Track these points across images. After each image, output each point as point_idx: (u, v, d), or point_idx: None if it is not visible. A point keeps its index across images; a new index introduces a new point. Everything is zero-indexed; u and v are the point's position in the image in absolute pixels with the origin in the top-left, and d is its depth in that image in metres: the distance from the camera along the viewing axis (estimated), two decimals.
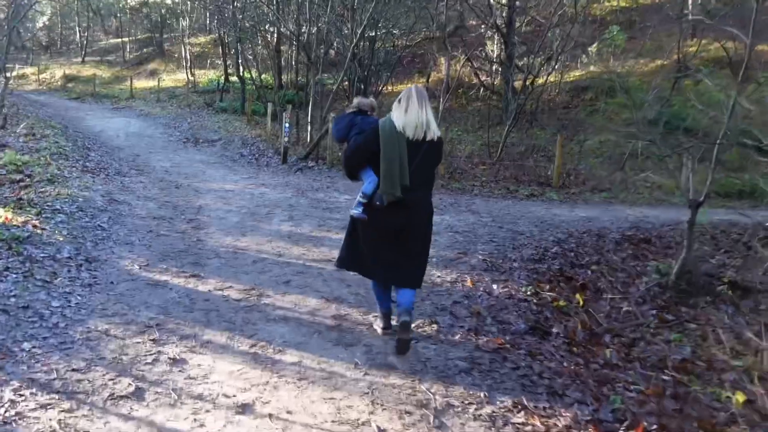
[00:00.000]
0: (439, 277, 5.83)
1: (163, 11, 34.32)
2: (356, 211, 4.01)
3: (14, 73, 33.51)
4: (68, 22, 42.57)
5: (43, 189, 7.93)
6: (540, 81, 17.79)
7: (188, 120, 19.85)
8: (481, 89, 21.90)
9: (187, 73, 27.88)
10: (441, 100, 15.66)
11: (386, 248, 4.00)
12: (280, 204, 8.94)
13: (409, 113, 3.87)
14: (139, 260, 5.66)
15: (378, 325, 4.37)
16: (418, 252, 4.07)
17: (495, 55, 22.83)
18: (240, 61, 23.40)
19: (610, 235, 8.17)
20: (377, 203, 3.88)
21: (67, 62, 36.53)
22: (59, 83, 31.29)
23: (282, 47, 23.63)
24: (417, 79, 24.30)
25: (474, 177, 12.90)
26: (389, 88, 22.00)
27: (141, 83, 29.13)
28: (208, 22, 35.25)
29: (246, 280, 5.33)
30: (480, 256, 6.64)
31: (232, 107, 21.45)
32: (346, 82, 18.85)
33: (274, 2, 18.35)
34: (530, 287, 5.59)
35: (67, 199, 7.33)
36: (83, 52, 37.06)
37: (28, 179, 8.76)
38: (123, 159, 12.10)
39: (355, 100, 4.60)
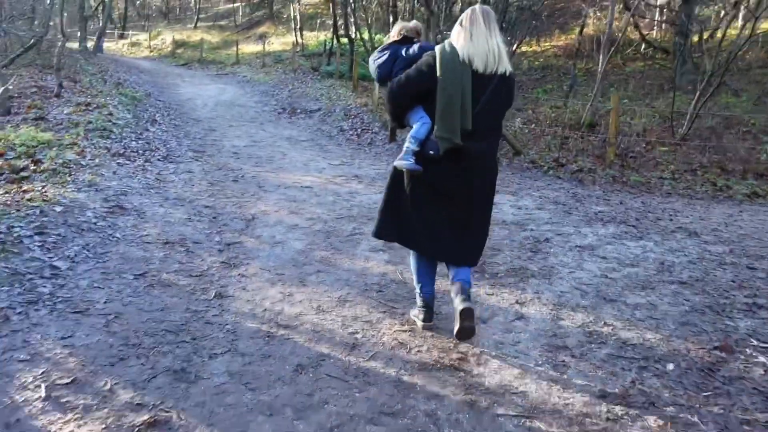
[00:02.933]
0: None
1: None
2: (406, 162, 2.98)
3: (128, 40, 32.96)
4: None
5: (30, 186, 5.38)
6: (720, 34, 13.40)
7: (289, 87, 17.25)
8: (643, 45, 17.54)
9: (295, 35, 25.45)
10: (600, 60, 11.94)
11: (439, 213, 3.06)
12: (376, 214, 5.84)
13: (476, 40, 2.90)
14: (69, 363, 2.77)
15: (416, 316, 3.38)
16: (480, 222, 3.14)
17: (662, 3, 18.28)
18: (351, 19, 20.47)
19: None
20: (430, 152, 2.95)
21: (181, 29, 35.48)
22: (169, 49, 30.01)
23: (398, 2, 20.45)
24: (558, 36, 20.24)
25: (655, 164, 9.11)
26: (524, 48, 18.27)
27: (249, 48, 27.08)
28: None
29: None
30: (760, 358, 3.21)
31: (339, 72, 18.61)
32: None
33: None
34: None
35: (36, 208, 4.62)
36: (196, 17, 35.81)
37: (33, 166, 6.31)
38: (190, 136, 9.51)
39: (396, 26, 3.35)
